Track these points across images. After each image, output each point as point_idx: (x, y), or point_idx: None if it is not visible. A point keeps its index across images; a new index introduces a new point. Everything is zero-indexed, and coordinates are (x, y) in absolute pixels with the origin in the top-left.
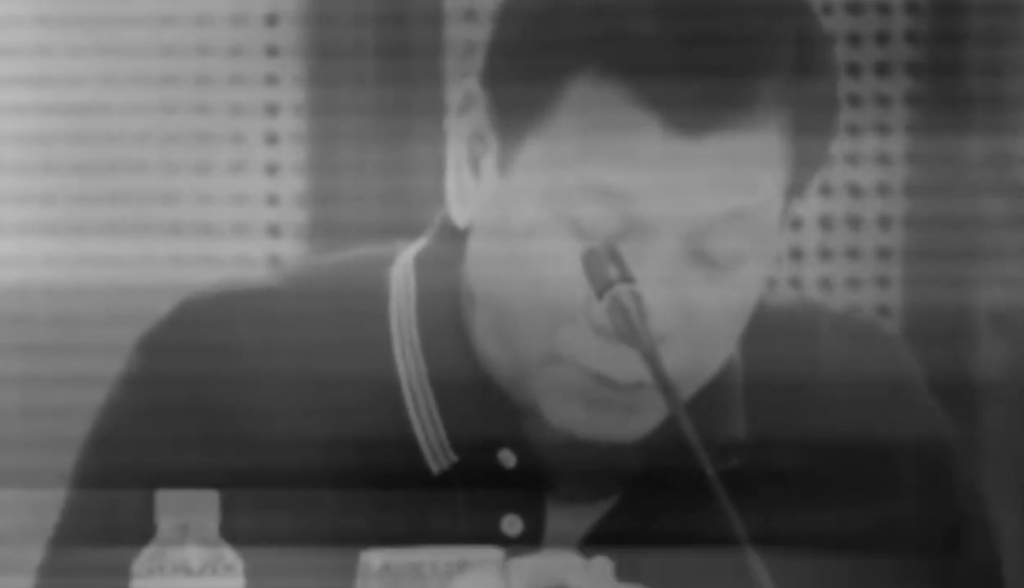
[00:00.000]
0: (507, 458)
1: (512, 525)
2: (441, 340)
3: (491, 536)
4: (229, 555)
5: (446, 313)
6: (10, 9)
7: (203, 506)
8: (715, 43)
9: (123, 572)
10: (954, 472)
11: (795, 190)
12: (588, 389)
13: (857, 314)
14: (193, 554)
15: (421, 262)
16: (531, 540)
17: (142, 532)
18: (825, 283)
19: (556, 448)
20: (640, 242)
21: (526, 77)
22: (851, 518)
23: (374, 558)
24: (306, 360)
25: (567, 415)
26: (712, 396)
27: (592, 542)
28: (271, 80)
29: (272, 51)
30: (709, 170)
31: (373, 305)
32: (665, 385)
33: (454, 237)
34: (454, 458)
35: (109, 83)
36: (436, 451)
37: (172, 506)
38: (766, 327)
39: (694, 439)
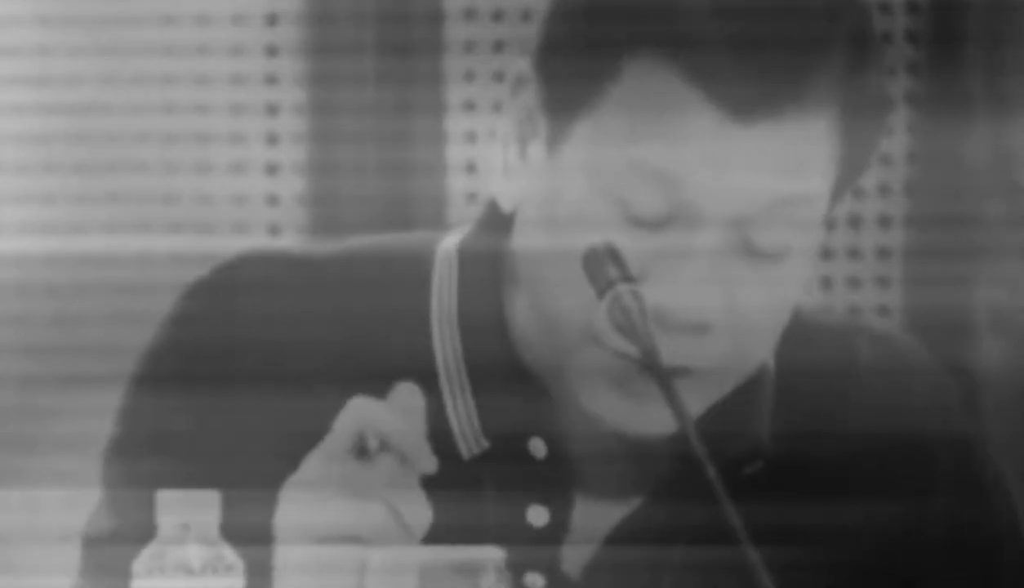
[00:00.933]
0: (538, 448)
1: (538, 516)
2: (480, 327)
3: (516, 526)
4: (230, 555)
5: (487, 300)
6: (10, 9)
7: (204, 505)
8: (773, 30)
9: (123, 572)
10: (989, 491)
11: (840, 189)
12: (624, 373)
13: (896, 333)
14: (194, 554)
15: (464, 249)
16: (557, 532)
17: (142, 532)
18: (825, 283)
19: (587, 440)
20: (687, 227)
21: (584, 56)
22: (872, 526)
23: (374, 557)
24: (344, 337)
25: (602, 402)
26: (744, 396)
27: (618, 537)
28: (271, 80)
29: (272, 51)
30: (760, 156)
31: (415, 290)
32: (664, 383)
33: (499, 226)
34: (485, 444)
35: (109, 83)
36: (468, 436)
37: (173, 505)
38: (802, 338)
39: (693, 437)
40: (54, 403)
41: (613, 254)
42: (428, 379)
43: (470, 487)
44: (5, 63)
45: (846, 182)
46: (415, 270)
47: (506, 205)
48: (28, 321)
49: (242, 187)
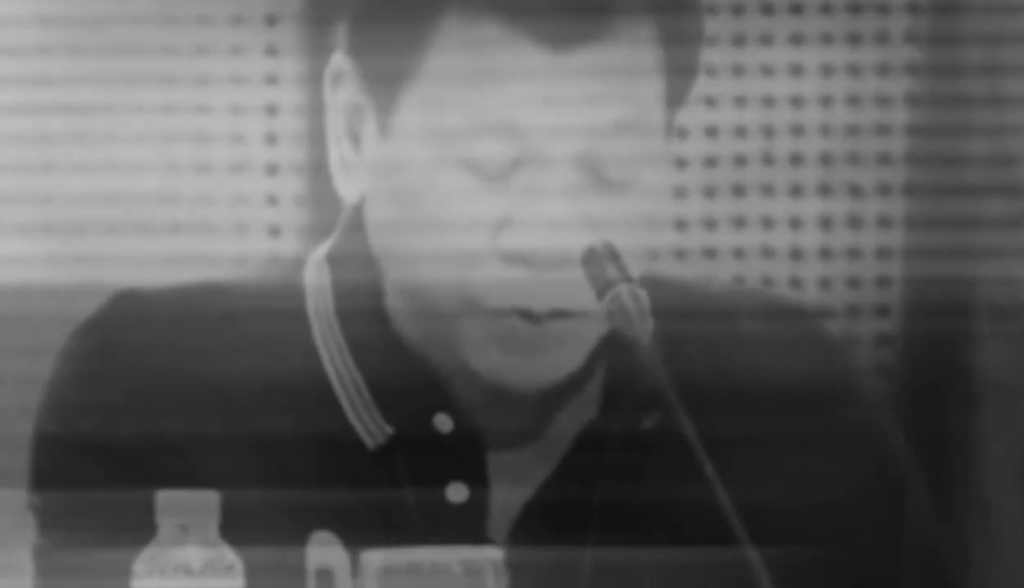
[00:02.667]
0: (443, 422)
1: (457, 493)
2: (362, 325)
3: (438, 505)
4: (229, 555)
5: (363, 299)
6: (10, 9)
7: (203, 507)
8: None
9: (123, 572)
10: (882, 444)
11: (674, 100)
12: (507, 329)
13: (794, 303)
14: (193, 554)
15: (333, 257)
16: (477, 507)
17: (142, 532)
18: (825, 283)
19: (489, 407)
20: (534, 170)
21: (393, 30)
22: (774, 484)
23: (373, 558)
24: (233, 363)
25: (490, 362)
26: (623, 341)
27: (536, 506)
28: (271, 80)
29: (272, 51)
30: (587, 85)
31: (291, 306)
32: (663, 384)
33: (360, 226)
34: (389, 431)
35: (109, 83)
36: (370, 428)
37: (172, 507)
38: (694, 304)
39: (693, 438)
40: None
41: (612, 254)
42: (318, 381)
43: (386, 476)
44: (5, 63)
45: (677, 94)
46: (287, 288)
47: (350, 198)
48: (28, 321)
49: (242, 187)
